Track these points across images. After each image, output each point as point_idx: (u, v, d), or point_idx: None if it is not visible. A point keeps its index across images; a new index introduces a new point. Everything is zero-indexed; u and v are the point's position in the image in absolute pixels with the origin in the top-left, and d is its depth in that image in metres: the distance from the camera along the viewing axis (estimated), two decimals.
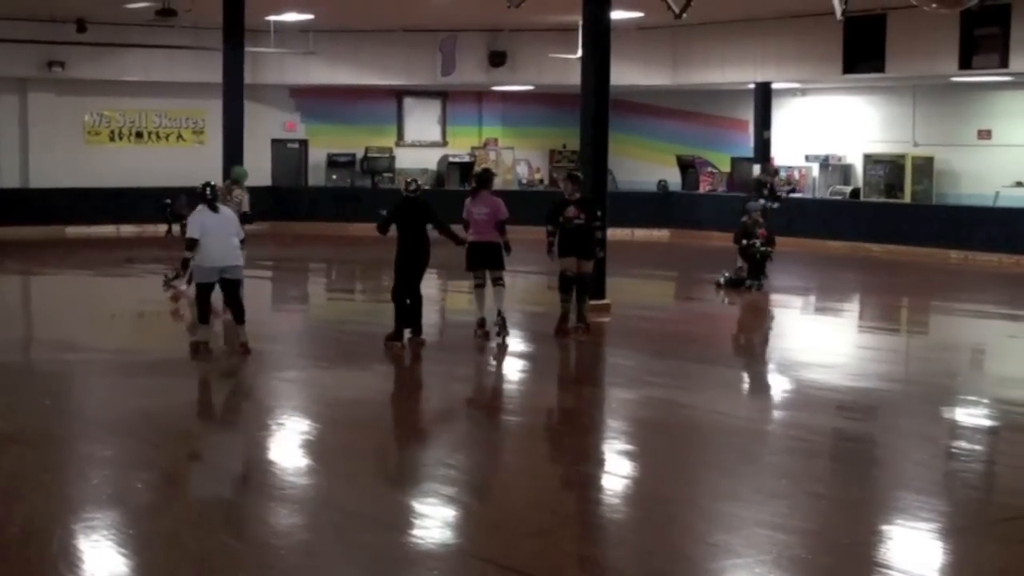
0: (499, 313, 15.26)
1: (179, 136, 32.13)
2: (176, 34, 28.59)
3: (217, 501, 9.08)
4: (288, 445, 10.76)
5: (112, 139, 31.45)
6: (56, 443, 10.56)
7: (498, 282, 15.35)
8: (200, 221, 14.23)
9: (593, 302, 16.54)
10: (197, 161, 29.98)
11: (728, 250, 21.65)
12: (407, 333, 14.77)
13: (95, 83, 30.23)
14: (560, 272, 15.82)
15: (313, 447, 10.70)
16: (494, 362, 14.95)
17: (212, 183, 14.64)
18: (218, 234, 14.19)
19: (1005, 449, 11.14)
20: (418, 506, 8.90)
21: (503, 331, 15.21)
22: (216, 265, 14.23)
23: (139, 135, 31.70)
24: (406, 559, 7.77)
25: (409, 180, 14.94)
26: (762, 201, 22.20)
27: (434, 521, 8.51)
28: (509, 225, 15.26)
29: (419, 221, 14.61)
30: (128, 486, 9.28)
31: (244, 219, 16.68)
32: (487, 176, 15.84)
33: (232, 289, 14.46)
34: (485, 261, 15.36)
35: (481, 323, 15.53)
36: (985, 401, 12.90)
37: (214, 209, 14.32)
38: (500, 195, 15.84)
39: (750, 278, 20.55)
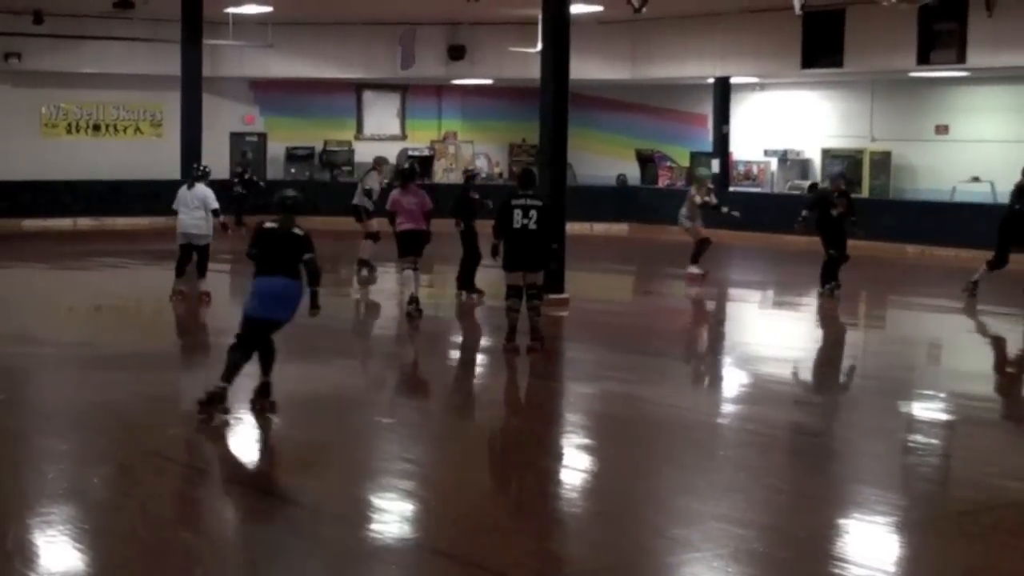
0: (414, 299, 16.46)
1: (137, 129, 31.92)
2: (134, 26, 28.36)
3: (174, 496, 9.03)
4: (246, 439, 10.72)
5: (69, 131, 31.25)
6: (11, 437, 10.52)
7: (415, 267, 16.63)
8: (178, 195, 17.52)
9: (551, 296, 16.49)
10: (155, 154, 30.16)
11: (685, 244, 21.71)
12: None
13: (52, 75, 29.98)
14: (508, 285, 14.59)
15: (271, 442, 10.66)
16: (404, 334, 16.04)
17: (204, 166, 18.25)
18: (187, 207, 17.25)
19: (961, 443, 11.20)
20: (376, 500, 8.88)
21: (414, 314, 16.40)
22: (183, 230, 17.39)
23: (96, 128, 31.50)
24: (364, 554, 7.77)
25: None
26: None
27: (392, 515, 8.49)
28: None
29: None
30: (84, 481, 9.24)
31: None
32: (414, 170, 17.63)
33: (199, 253, 17.52)
34: (415, 248, 16.61)
35: (412, 299, 16.51)
36: (942, 395, 12.96)
37: (190, 186, 17.43)
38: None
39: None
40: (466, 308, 18.01)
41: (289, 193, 11.32)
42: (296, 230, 11.05)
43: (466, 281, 18.39)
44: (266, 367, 11.17)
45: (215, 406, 10.68)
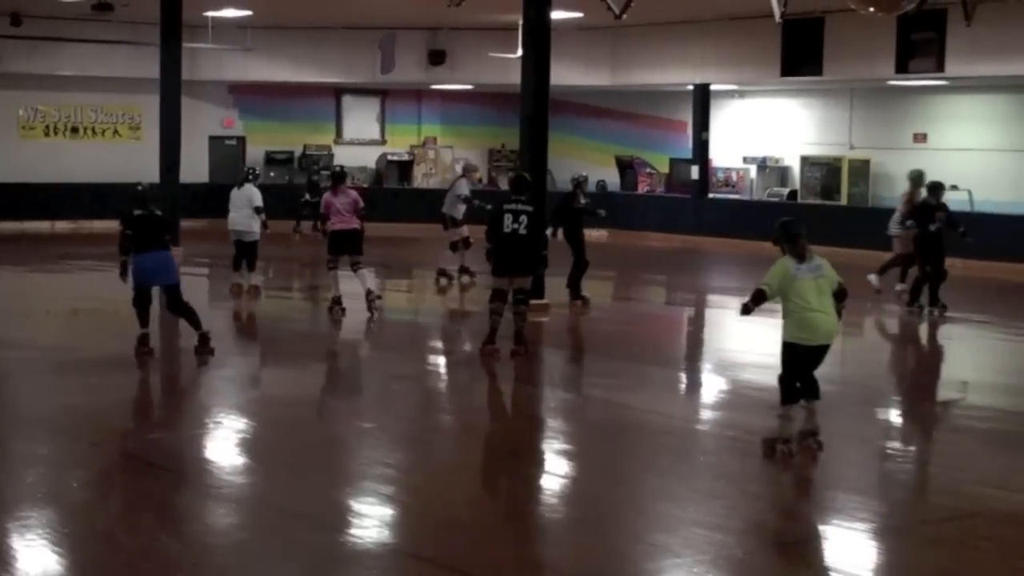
0: (370, 292, 16.88)
1: (115, 132, 31.74)
2: (112, 29, 28.20)
3: (154, 500, 8.99)
4: (225, 443, 10.72)
5: (47, 134, 31.02)
6: None
7: (359, 266, 17.16)
8: (230, 196, 19.07)
9: (532, 301, 16.45)
10: (133, 157, 29.84)
11: (662, 251, 21.71)
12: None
13: (30, 77, 29.72)
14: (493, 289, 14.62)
15: (250, 445, 10.67)
16: (374, 330, 16.53)
17: (253, 168, 20.42)
18: (236, 207, 18.71)
19: (941, 450, 11.23)
20: (356, 505, 8.87)
21: (375, 305, 16.88)
22: (232, 228, 18.94)
23: (74, 130, 31.30)
24: (344, 558, 7.76)
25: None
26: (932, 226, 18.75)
27: (372, 520, 8.49)
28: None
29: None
30: (63, 485, 9.24)
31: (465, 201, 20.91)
32: (343, 174, 18.37)
33: (248, 249, 18.90)
34: (346, 247, 17.10)
35: (337, 300, 17.12)
36: (920, 402, 13.01)
37: (239, 186, 18.96)
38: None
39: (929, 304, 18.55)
40: (574, 315, 18.16)
41: (139, 186, 13.89)
42: (158, 212, 13.90)
43: (575, 287, 18.56)
44: (195, 325, 13.92)
45: (147, 346, 13.66)
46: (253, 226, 18.74)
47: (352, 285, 17.08)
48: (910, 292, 18.66)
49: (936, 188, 18.82)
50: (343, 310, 16.93)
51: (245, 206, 18.72)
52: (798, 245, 10.13)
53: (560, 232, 18.50)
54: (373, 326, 16.65)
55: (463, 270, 21.33)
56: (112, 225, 28.03)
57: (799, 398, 10.22)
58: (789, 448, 10.11)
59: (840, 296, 10.20)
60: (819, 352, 10.16)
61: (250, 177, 19.40)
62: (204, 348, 13.83)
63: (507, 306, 14.27)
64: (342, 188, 17.47)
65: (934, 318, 18.09)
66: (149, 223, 13.67)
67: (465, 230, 21.20)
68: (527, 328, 14.52)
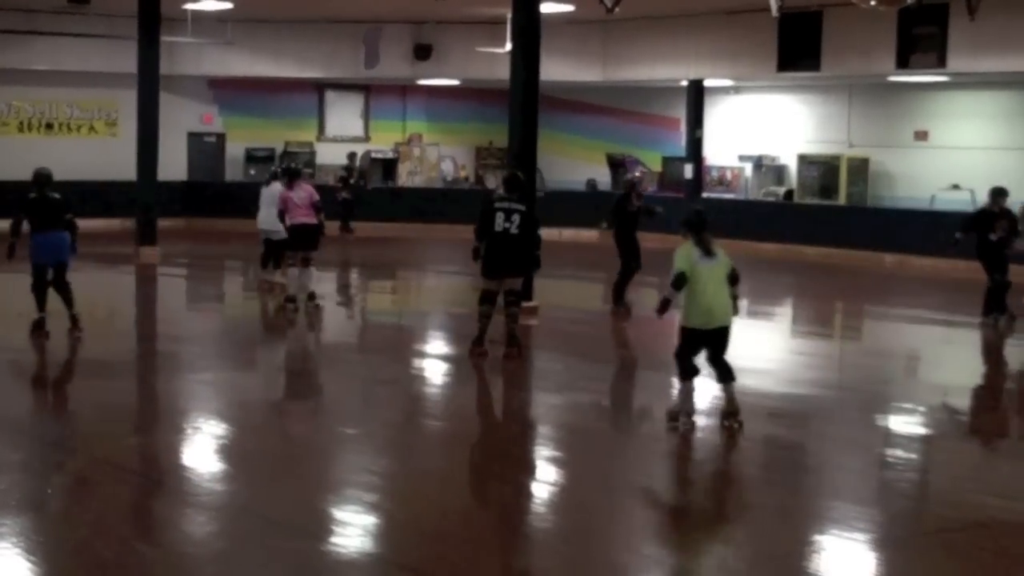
0: (312, 294, 17.51)
1: (91, 128, 31.32)
2: (89, 22, 27.83)
3: (131, 507, 8.95)
4: (204, 449, 10.61)
5: (21, 130, 30.58)
6: None
7: (309, 263, 17.51)
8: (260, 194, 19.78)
9: (522, 304, 15.92)
10: (110, 154, 29.90)
11: (654, 252, 21.37)
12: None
13: (3, 72, 29.27)
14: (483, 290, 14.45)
15: (230, 451, 10.55)
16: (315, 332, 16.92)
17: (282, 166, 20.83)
18: (264, 205, 19.15)
19: (940, 458, 11.09)
20: (339, 513, 8.79)
21: (310, 307, 17.46)
22: (260, 226, 19.56)
23: (49, 126, 30.88)
24: (326, 568, 7.71)
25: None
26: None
27: (355, 529, 8.40)
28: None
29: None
30: (38, 491, 9.19)
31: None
32: (299, 169, 18.69)
33: (275, 246, 19.40)
34: (305, 242, 17.51)
35: (291, 299, 17.47)
36: (920, 408, 12.79)
37: (267, 184, 19.63)
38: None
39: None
40: (618, 320, 17.97)
41: (42, 171, 15.01)
42: (54, 195, 14.84)
43: (619, 293, 18.23)
44: (69, 305, 14.91)
45: (43, 330, 14.78)
46: (279, 224, 18.63)
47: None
48: (984, 304, 17.49)
49: (998, 194, 17.56)
50: (296, 309, 17.29)
51: (273, 204, 18.79)
52: (703, 238, 10.85)
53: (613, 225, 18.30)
54: (352, 326, 16.95)
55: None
56: (89, 224, 28.21)
57: (697, 374, 10.97)
58: (691, 422, 10.92)
59: (733, 280, 10.97)
60: (718, 335, 10.89)
61: (279, 175, 19.64)
62: (75, 328, 14.90)
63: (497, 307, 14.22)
64: (298, 183, 17.82)
65: (989, 322, 17.37)
66: (43, 205, 14.74)
67: None
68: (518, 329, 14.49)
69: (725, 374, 10.94)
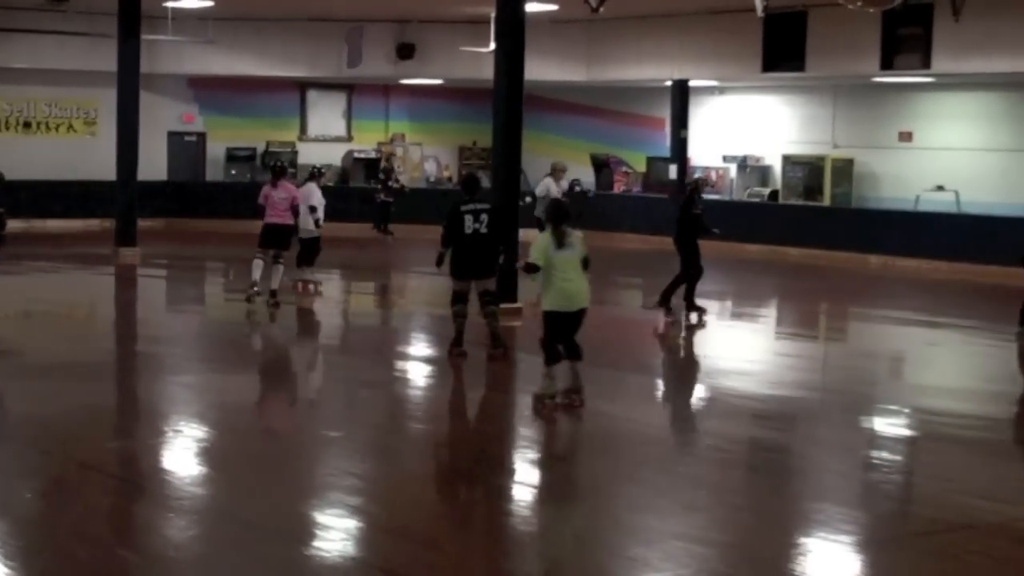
0: (274, 293, 17.67)
1: (70, 127, 31.15)
2: (68, 19, 27.71)
3: (110, 511, 8.91)
4: (184, 453, 10.56)
5: None
6: None
7: (279, 261, 17.86)
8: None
9: (505, 305, 15.83)
10: (89, 153, 29.80)
11: (638, 253, 21.34)
12: None
13: None
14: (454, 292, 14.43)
15: (211, 455, 10.51)
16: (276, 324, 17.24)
17: (317, 167, 21.08)
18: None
19: (926, 460, 11.10)
20: (321, 517, 8.75)
21: (275, 303, 17.66)
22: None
23: (27, 125, 30.70)
24: (309, 572, 7.68)
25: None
26: None
27: (338, 532, 8.39)
28: None
29: None
30: (16, 495, 9.12)
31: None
32: (284, 168, 19.02)
33: (308, 246, 19.55)
34: (276, 241, 17.88)
35: (253, 284, 17.85)
36: (905, 410, 12.85)
37: (298, 186, 19.44)
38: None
39: None
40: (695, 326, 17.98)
41: None
42: None
43: (689, 299, 18.11)
44: None
45: None
46: (310, 223, 19.14)
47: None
48: (1021, 311, 16.81)
49: None
50: (252, 297, 17.77)
51: (306, 202, 19.00)
52: (559, 232, 11.56)
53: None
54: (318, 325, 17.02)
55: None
56: (67, 224, 28.17)
57: (561, 359, 11.69)
58: (555, 403, 11.67)
59: (584, 264, 11.74)
60: (576, 317, 11.71)
61: (314, 175, 20.25)
62: None
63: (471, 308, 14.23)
64: (281, 182, 18.15)
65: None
66: None
67: None
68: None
69: (573, 352, 11.72)
